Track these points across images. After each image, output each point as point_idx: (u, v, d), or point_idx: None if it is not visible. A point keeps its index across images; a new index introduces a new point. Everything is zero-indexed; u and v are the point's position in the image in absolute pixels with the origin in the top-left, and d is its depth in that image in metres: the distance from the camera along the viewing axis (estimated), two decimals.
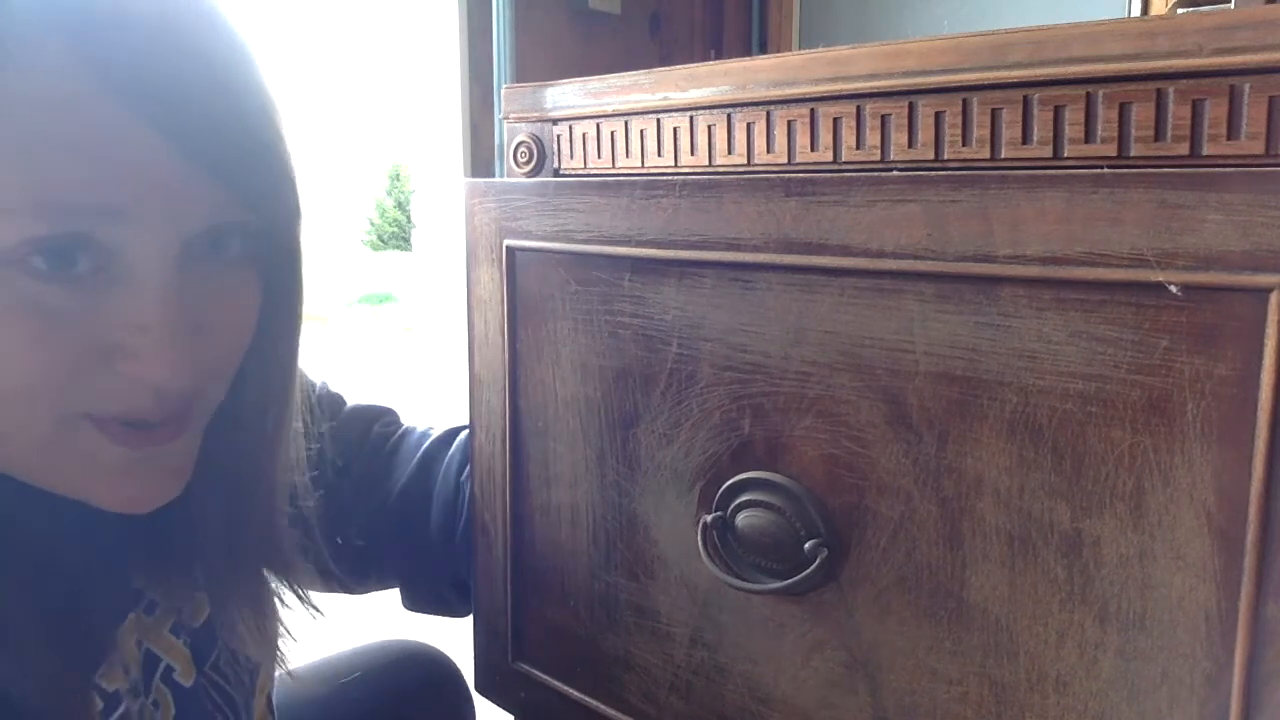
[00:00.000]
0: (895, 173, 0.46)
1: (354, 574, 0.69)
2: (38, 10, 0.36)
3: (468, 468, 0.69)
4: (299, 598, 0.59)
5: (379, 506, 0.68)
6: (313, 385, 0.68)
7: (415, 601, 0.74)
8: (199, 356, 0.42)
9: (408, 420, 0.75)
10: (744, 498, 0.52)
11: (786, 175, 0.48)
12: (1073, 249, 0.40)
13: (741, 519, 0.52)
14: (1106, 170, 0.39)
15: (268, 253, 0.47)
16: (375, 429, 0.72)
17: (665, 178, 0.53)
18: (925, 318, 0.44)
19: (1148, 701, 0.41)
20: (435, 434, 0.73)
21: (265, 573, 0.56)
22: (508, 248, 0.62)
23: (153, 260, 0.40)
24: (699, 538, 0.53)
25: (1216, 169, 0.37)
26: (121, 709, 0.47)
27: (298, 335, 0.52)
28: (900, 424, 0.46)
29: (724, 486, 0.53)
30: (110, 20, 0.38)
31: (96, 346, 0.40)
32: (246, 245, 0.45)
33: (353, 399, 0.74)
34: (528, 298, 0.62)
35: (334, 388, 0.73)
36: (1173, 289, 0.38)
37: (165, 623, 0.52)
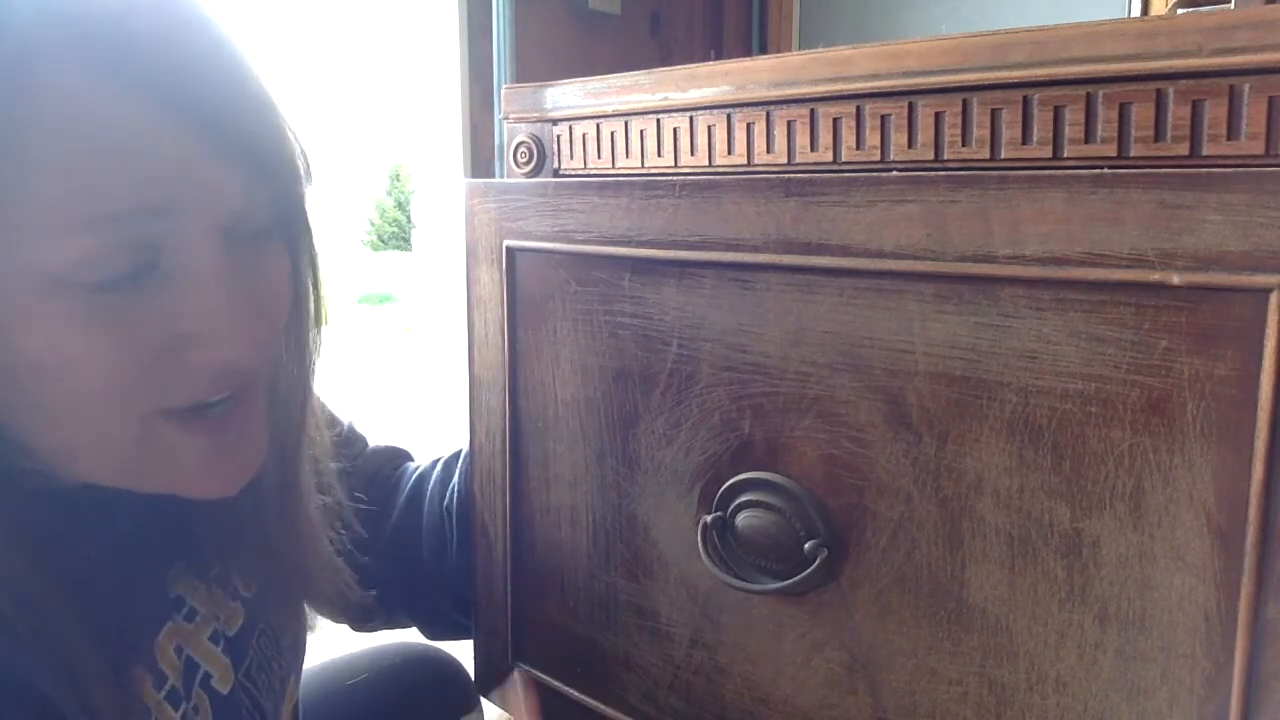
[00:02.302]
0: (895, 173, 0.46)
1: (362, 612, 0.70)
2: (48, 34, 0.38)
3: (450, 489, 0.70)
4: (335, 597, 0.60)
5: (376, 545, 0.69)
6: (339, 422, 0.70)
7: (431, 630, 0.75)
8: (259, 333, 0.45)
9: (416, 441, 0.76)
10: (744, 498, 0.52)
11: (786, 176, 0.48)
12: (1072, 249, 0.40)
13: (741, 519, 0.52)
14: (1106, 171, 0.39)
15: (289, 228, 0.49)
16: (384, 470, 0.73)
17: (665, 178, 0.53)
18: (925, 318, 0.44)
19: (1147, 702, 0.41)
20: (425, 465, 0.74)
21: (300, 575, 0.57)
22: (508, 248, 0.62)
23: (201, 249, 0.42)
24: (699, 538, 0.53)
25: (1215, 169, 0.37)
26: (161, 714, 0.47)
27: (320, 306, 0.54)
28: (900, 424, 0.46)
29: (724, 487, 0.53)
30: (116, 31, 0.40)
31: (163, 343, 0.41)
32: (276, 224, 0.47)
33: (374, 439, 0.75)
34: (528, 298, 0.62)
35: (360, 428, 0.74)
36: (1175, 280, 0.38)
37: (204, 630, 0.53)
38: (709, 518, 0.53)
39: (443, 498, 0.70)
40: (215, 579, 0.55)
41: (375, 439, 0.75)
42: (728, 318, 0.51)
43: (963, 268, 0.43)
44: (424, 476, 0.72)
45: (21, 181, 0.38)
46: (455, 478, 0.71)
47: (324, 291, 0.54)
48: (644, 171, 0.58)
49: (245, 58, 0.45)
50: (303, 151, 0.49)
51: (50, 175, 0.38)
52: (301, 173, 0.49)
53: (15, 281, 0.39)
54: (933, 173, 0.44)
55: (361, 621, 0.72)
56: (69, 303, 0.39)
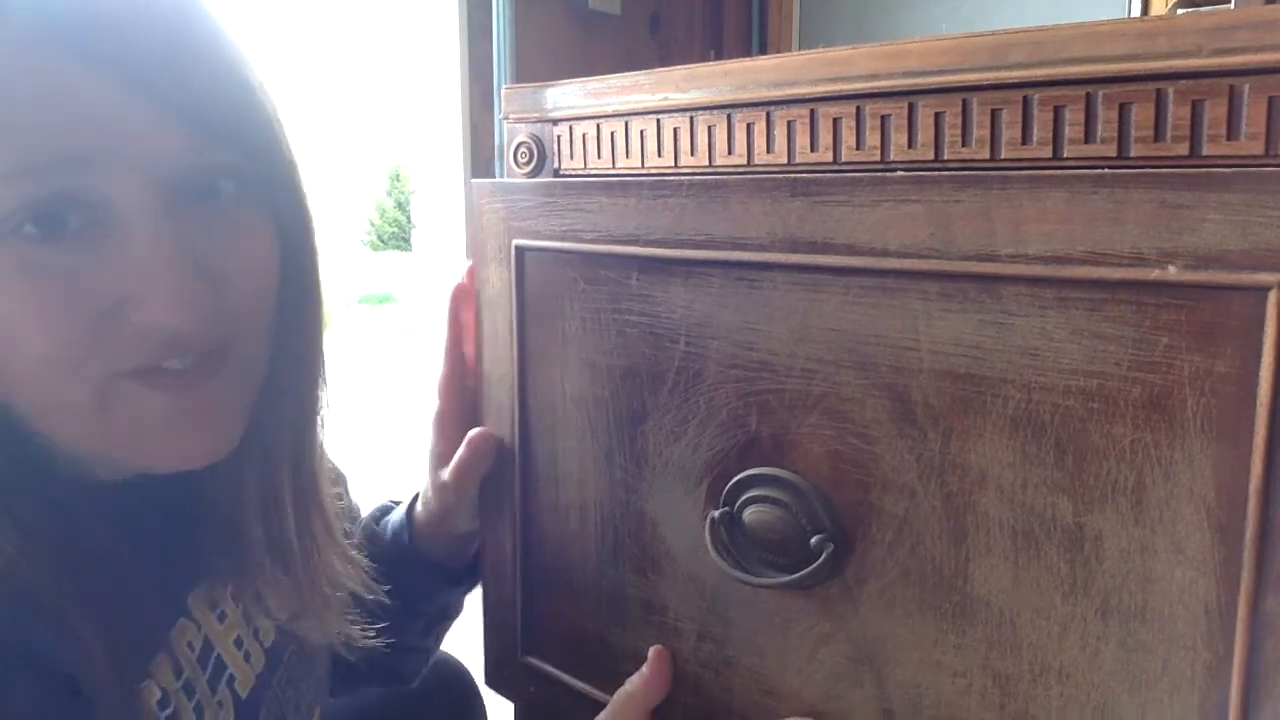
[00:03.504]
0: (899, 173, 0.46)
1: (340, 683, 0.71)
2: None
3: (388, 523, 0.70)
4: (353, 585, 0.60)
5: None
6: (342, 477, 0.70)
7: (404, 668, 0.73)
8: (217, 303, 0.44)
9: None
10: (751, 493, 0.53)
11: (792, 175, 0.49)
12: (1074, 248, 0.41)
13: (749, 514, 0.53)
14: (1107, 171, 0.40)
15: (273, 199, 0.48)
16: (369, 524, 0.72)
17: (672, 178, 0.54)
18: (929, 316, 0.45)
19: (1149, 692, 0.42)
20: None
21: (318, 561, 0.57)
22: (516, 247, 0.62)
23: (135, 206, 0.41)
24: (707, 533, 0.54)
25: (1215, 169, 0.38)
26: (173, 707, 0.48)
27: (318, 285, 0.53)
28: (905, 421, 0.47)
29: (731, 482, 0.54)
30: None
31: (107, 302, 0.41)
32: (243, 190, 0.46)
33: (367, 507, 0.75)
34: (536, 297, 0.62)
35: (355, 498, 0.74)
36: (1171, 270, 0.39)
37: (231, 634, 0.54)
38: (716, 513, 0.54)
39: (370, 534, 0.70)
40: (250, 596, 0.56)
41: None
42: (735, 316, 0.52)
43: (966, 266, 0.43)
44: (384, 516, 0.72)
45: None
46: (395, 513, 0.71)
47: (320, 271, 0.53)
48: (651, 171, 0.59)
49: (208, 21, 0.44)
50: (274, 125, 0.48)
51: None
52: (281, 148, 0.48)
53: None
54: (936, 173, 0.45)
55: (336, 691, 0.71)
56: (4, 259, 0.39)
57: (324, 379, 0.55)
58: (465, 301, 0.68)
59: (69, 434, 0.44)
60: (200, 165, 0.43)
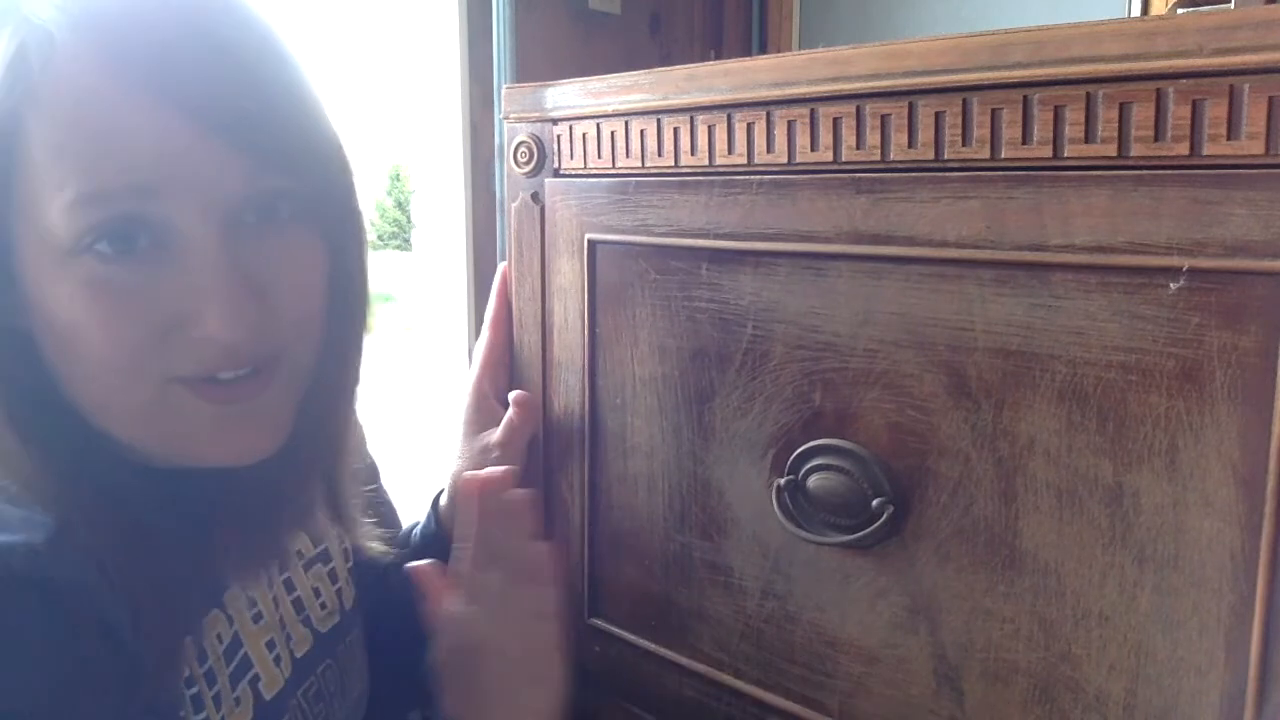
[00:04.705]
0: (956, 173, 0.52)
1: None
2: (69, 24, 0.43)
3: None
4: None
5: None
6: (376, 471, 0.73)
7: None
8: (268, 318, 0.47)
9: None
10: (815, 462, 0.58)
11: (857, 175, 0.54)
12: (1116, 239, 0.46)
13: (813, 481, 0.58)
14: (1147, 171, 0.45)
15: (325, 215, 0.51)
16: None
17: (742, 176, 0.59)
18: (984, 300, 0.51)
19: (1180, 632, 0.47)
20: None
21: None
22: (589, 241, 0.68)
23: (196, 230, 0.44)
24: (773, 499, 0.59)
25: (1242, 170, 0.42)
26: (196, 689, 0.50)
27: (365, 297, 0.56)
28: (960, 394, 0.52)
29: (796, 453, 0.59)
30: (130, 21, 0.43)
31: (169, 316, 0.44)
32: (298, 209, 0.49)
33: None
34: (607, 286, 0.68)
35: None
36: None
37: (264, 636, 0.56)
38: (781, 480, 0.59)
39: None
40: (295, 601, 0.59)
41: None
42: (800, 302, 0.58)
43: (1018, 255, 0.49)
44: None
45: (34, 159, 0.43)
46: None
47: (368, 283, 0.56)
48: (721, 169, 0.63)
49: (270, 51, 0.47)
50: (335, 148, 0.51)
51: (52, 155, 0.42)
52: (337, 166, 0.51)
53: (40, 251, 0.44)
54: (992, 172, 0.50)
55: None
56: (79, 274, 0.43)
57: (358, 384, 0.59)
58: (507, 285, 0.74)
59: (126, 430, 0.48)
60: (257, 190, 0.46)
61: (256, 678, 0.55)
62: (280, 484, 0.55)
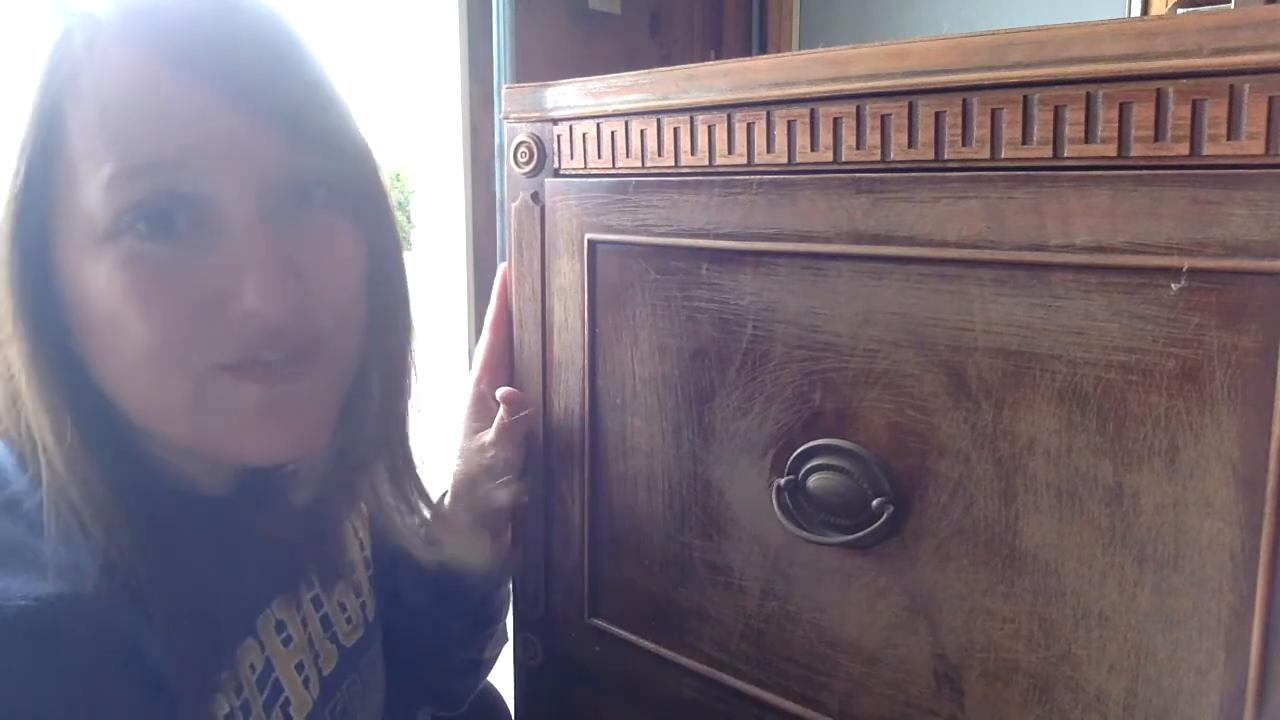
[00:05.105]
0: (955, 173, 0.52)
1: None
2: (115, 8, 0.44)
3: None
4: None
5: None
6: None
7: (453, 693, 0.77)
8: (308, 300, 0.47)
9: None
10: (815, 462, 0.58)
11: (857, 175, 0.54)
12: (1116, 239, 0.46)
13: (813, 481, 0.58)
14: (1147, 171, 0.45)
15: (360, 207, 0.51)
16: None
17: (742, 177, 0.59)
18: (984, 300, 0.51)
19: (1180, 632, 0.47)
20: None
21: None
22: (589, 241, 0.68)
23: (235, 205, 0.45)
24: (773, 499, 0.60)
25: (1242, 170, 0.42)
26: (227, 711, 0.50)
27: (406, 295, 0.56)
28: (960, 394, 0.52)
29: (796, 453, 0.59)
30: (171, 6, 0.45)
31: (208, 295, 0.44)
32: (333, 197, 0.49)
33: None
34: (607, 286, 0.68)
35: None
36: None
37: (294, 658, 0.56)
38: (782, 480, 0.59)
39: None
40: (322, 619, 0.59)
41: None
42: (801, 301, 0.58)
43: (1018, 255, 0.49)
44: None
45: (72, 146, 0.43)
46: None
47: (406, 282, 0.56)
48: (721, 169, 0.64)
49: (303, 43, 0.49)
50: (359, 132, 0.52)
51: (91, 135, 0.43)
52: (369, 160, 0.52)
53: (77, 240, 0.44)
54: (992, 172, 0.50)
55: None
56: (117, 256, 0.43)
57: (414, 378, 0.60)
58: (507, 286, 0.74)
59: (166, 428, 0.48)
60: (295, 169, 0.47)
61: (287, 702, 0.55)
62: (324, 499, 0.55)
